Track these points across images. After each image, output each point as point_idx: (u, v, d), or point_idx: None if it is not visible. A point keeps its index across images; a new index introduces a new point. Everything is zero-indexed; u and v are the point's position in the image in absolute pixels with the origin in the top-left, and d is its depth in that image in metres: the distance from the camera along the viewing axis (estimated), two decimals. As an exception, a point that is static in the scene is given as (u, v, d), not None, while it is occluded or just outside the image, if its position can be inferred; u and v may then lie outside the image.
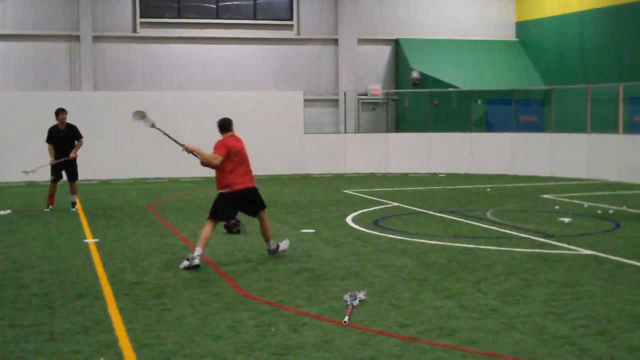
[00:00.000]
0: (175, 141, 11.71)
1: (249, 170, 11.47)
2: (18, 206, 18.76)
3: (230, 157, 11.20)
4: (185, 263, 10.77)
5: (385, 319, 8.07)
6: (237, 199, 11.29)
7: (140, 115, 12.27)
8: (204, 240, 10.97)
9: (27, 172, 18.25)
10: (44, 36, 29.75)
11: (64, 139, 17.63)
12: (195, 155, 11.31)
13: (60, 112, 17.66)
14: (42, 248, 12.69)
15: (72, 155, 17.59)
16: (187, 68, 31.08)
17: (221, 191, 11.26)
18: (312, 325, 7.86)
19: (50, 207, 17.81)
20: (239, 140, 11.53)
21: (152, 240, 13.39)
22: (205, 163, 11.28)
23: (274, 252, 11.75)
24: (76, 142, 17.73)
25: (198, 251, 10.82)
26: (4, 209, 17.76)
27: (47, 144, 17.71)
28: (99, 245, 12.81)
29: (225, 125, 11.56)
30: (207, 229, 11.10)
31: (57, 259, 11.65)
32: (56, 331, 7.68)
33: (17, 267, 11.08)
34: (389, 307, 8.53)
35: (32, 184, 24.61)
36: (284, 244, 11.91)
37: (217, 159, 11.11)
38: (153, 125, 12.21)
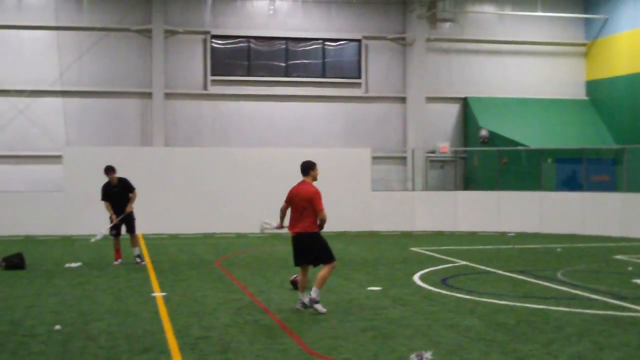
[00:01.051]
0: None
1: (297, 217, 12.04)
2: (88, 259, 19.04)
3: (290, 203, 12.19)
4: (321, 309, 11.57)
5: (453, 379, 7.91)
6: (293, 243, 12.06)
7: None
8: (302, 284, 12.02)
9: (96, 240, 18.52)
10: (118, 93, 30.47)
11: (118, 194, 17.98)
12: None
13: (109, 171, 18.03)
14: (111, 301, 12.82)
15: (128, 209, 17.88)
16: (256, 125, 31.42)
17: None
18: (378, 384, 7.73)
19: (119, 260, 18.04)
20: (299, 186, 12.29)
21: (219, 295, 13.41)
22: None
23: (306, 305, 11.87)
24: (130, 195, 18.02)
25: (302, 296, 11.87)
26: (75, 262, 18.04)
27: (103, 202, 18.04)
28: (166, 299, 12.88)
29: (301, 169, 12.49)
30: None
31: (124, 312, 11.74)
32: (122, 384, 7.69)
33: (86, 319, 11.19)
34: (457, 368, 8.37)
35: (103, 238, 24.95)
36: (320, 307, 11.75)
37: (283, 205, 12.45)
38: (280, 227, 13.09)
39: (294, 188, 12.23)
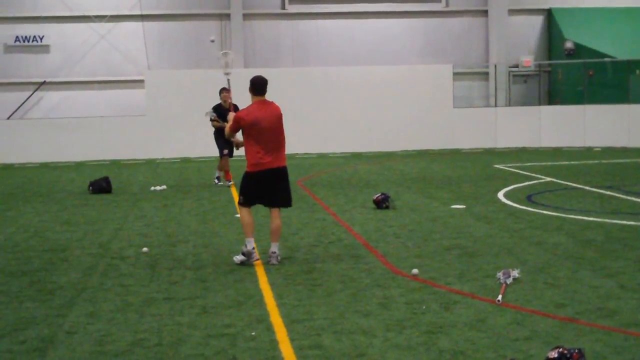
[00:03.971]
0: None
1: (274, 147, 9.68)
2: (173, 182, 19.29)
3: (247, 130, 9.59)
4: (241, 257, 9.60)
5: (541, 298, 7.79)
6: (261, 179, 9.71)
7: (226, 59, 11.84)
8: (247, 227, 9.61)
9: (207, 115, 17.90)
10: (196, 15, 30.44)
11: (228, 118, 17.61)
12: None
13: (223, 91, 17.56)
14: (196, 223, 12.97)
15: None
16: (334, 43, 31.11)
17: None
18: (464, 303, 7.66)
19: (231, 181, 18.03)
20: (263, 106, 9.64)
21: (303, 215, 13.45)
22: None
23: (278, 258, 9.65)
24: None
25: (250, 243, 9.53)
26: (160, 185, 18.29)
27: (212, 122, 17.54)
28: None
29: (253, 87, 9.74)
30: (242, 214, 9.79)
31: (210, 234, 11.88)
32: (209, 305, 7.79)
33: (172, 241, 11.35)
34: (545, 286, 8.23)
35: (186, 160, 25.29)
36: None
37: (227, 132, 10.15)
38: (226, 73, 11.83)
39: (255, 110, 9.58)
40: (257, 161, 9.57)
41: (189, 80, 26.91)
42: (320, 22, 31.12)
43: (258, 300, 7.97)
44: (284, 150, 9.86)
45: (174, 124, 26.43)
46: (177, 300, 8.02)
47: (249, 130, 9.52)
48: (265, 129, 9.51)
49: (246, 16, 30.50)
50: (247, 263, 9.53)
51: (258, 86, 9.65)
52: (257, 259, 9.61)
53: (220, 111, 17.28)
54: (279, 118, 9.68)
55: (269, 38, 30.86)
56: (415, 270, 8.90)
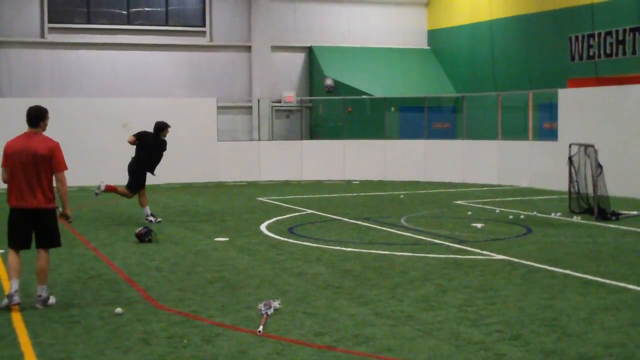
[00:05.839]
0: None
1: (30, 185, 8.91)
2: None
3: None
4: (5, 302, 8.85)
5: (301, 327, 7.96)
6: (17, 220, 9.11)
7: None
8: (13, 270, 8.93)
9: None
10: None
11: None
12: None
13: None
14: (-56, 260, 12.20)
15: None
16: (97, 74, 30.50)
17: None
18: (227, 335, 7.69)
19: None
20: (27, 139, 9.01)
21: (61, 250, 12.94)
22: None
23: (44, 302, 8.98)
24: None
25: (15, 285, 8.82)
26: None
27: None
28: (3, 257, 12.37)
29: (31, 117, 9.13)
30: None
31: (-41, 271, 11.21)
32: (-43, 347, 7.35)
33: None
34: (304, 316, 8.42)
35: None
36: (52, 299, 9.13)
37: None
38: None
39: (16, 143, 9.02)
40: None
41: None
42: (82, 53, 30.41)
43: (12, 339, 7.60)
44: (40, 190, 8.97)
45: None
46: None
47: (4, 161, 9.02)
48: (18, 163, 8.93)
49: (2, 43, 29.27)
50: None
51: (26, 116, 9.10)
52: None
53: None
54: (34, 155, 8.90)
55: (27, 67, 29.74)
56: (119, 309, 8.64)
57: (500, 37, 30.34)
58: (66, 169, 9.11)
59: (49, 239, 9.15)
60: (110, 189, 16.65)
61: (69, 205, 9.36)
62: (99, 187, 16.62)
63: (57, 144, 9.10)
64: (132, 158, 16.90)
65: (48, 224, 9.11)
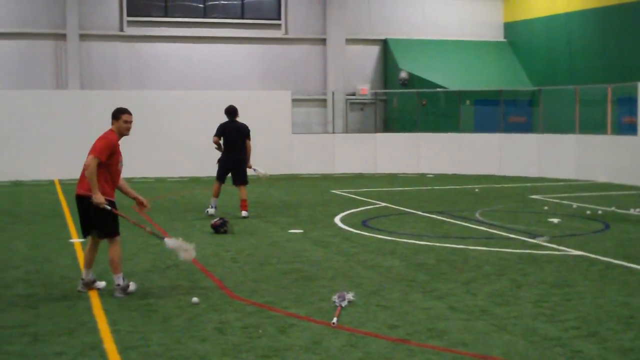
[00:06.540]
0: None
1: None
2: (2, 206, 18.57)
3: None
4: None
5: (374, 320, 7.97)
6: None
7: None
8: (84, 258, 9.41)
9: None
10: (30, 34, 29.52)
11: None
12: None
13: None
14: (27, 248, 12.54)
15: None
16: (173, 67, 30.89)
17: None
18: (300, 326, 7.75)
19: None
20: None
21: (138, 240, 13.23)
22: None
23: (124, 290, 9.16)
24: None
25: (83, 273, 9.32)
26: (-11, 209, 17.59)
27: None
28: (84, 245, 12.65)
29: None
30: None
31: (41, 259, 11.51)
32: (40, 332, 7.55)
33: (1, 267, 10.93)
34: (378, 308, 8.44)
35: (17, 184, 24.41)
36: (132, 286, 9.30)
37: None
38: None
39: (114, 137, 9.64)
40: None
41: (22, 100, 26.02)
42: (159, 46, 30.85)
43: (91, 326, 7.78)
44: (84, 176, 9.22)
45: (5, 145, 25.44)
46: (6, 328, 7.73)
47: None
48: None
49: (83, 37, 29.84)
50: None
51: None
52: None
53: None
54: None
55: (106, 60, 30.27)
56: (195, 299, 8.76)
57: (578, 30, 29.80)
58: (95, 154, 9.13)
59: (97, 227, 9.22)
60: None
61: (142, 195, 9.69)
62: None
63: (103, 135, 9.49)
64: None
65: (94, 212, 9.08)
